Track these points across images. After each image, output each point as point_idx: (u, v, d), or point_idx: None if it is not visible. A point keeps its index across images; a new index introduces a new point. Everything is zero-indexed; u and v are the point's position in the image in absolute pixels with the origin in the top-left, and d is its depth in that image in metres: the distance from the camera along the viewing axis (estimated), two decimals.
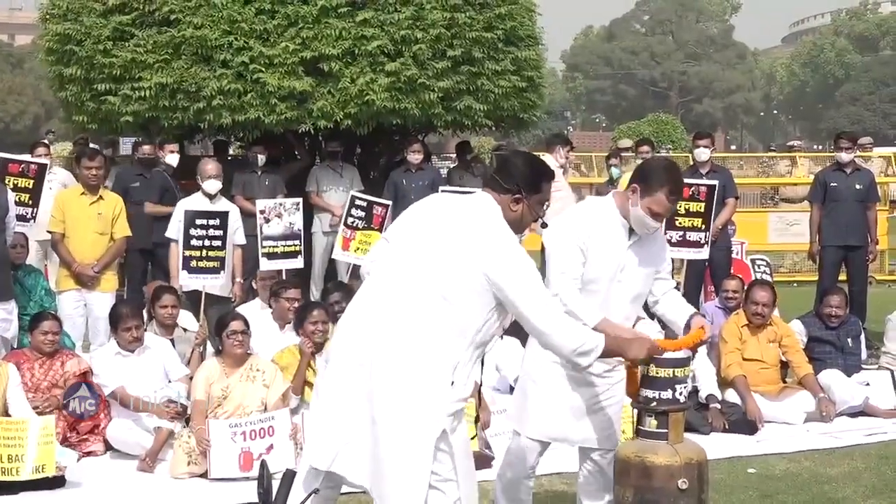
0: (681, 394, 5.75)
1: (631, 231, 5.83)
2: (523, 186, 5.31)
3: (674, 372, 6.71)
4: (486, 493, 7.77)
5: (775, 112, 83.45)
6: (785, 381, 9.92)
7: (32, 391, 8.49)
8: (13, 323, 9.22)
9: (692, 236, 10.79)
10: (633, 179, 5.81)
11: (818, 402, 9.56)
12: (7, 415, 8.09)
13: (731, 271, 11.85)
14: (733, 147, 65.99)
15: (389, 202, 12.45)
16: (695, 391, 9.27)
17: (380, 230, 11.59)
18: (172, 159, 12.92)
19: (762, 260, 14.26)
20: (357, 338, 5.21)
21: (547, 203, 5.65)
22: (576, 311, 5.58)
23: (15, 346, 9.29)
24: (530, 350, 6.10)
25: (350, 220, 11.67)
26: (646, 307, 6.66)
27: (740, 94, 78.81)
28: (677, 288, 10.93)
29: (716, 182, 11.21)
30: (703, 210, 10.76)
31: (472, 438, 8.28)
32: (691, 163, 12.88)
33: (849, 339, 10.34)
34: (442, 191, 11.36)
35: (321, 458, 5.25)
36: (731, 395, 9.59)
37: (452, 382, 5.06)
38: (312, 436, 5.50)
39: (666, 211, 5.78)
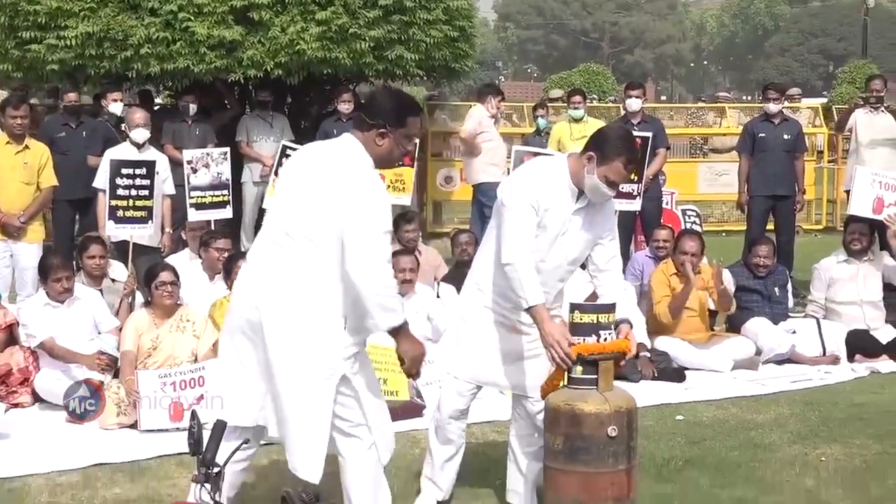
0: (605, 339, 5.81)
1: (578, 196, 5.77)
2: (388, 121, 5.35)
3: (598, 318, 6.77)
4: (417, 441, 7.82)
5: (705, 63, 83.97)
6: (712, 329, 10.00)
7: None
8: None
9: (625, 187, 10.82)
10: (588, 147, 5.70)
11: (740, 348, 9.72)
12: None
13: (662, 221, 11.92)
14: (664, 98, 66.36)
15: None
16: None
17: None
18: (116, 108, 12.79)
19: (692, 210, 14.39)
20: (246, 291, 5.36)
21: (415, 138, 5.97)
22: (523, 284, 5.60)
23: None
24: (465, 294, 6.19)
25: (281, 169, 11.62)
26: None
27: (671, 44, 79.31)
28: None
29: (649, 133, 11.21)
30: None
31: (401, 389, 8.39)
32: (623, 113, 12.92)
33: (776, 288, 10.43)
34: None
35: (243, 416, 5.38)
36: (660, 344, 9.67)
37: (345, 326, 5.19)
38: (230, 394, 5.57)
39: (622, 179, 5.77)
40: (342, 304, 5.20)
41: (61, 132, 12.32)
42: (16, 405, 8.47)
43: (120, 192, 10.27)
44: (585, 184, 5.66)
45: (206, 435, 4.76)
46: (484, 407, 7.12)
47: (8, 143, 10.62)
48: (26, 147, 10.67)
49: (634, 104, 12.58)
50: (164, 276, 8.61)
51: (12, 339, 8.99)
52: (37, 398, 8.66)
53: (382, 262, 5.17)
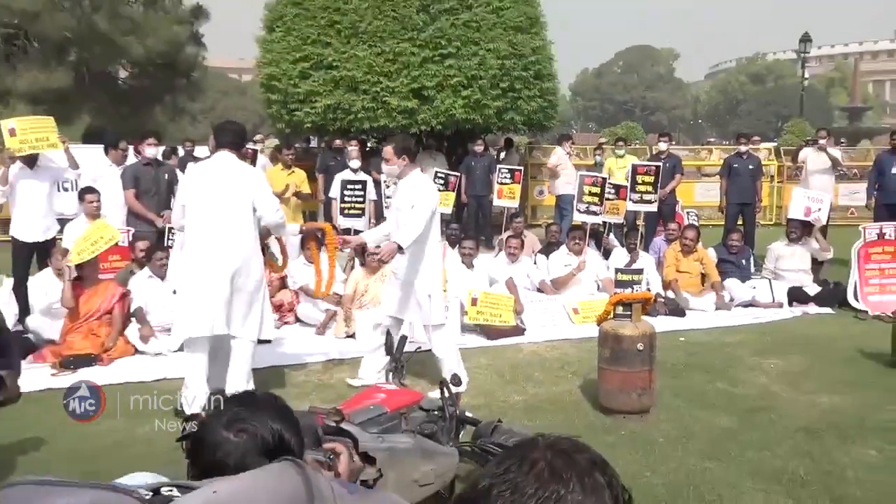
0: (635, 290, 5.74)
1: None
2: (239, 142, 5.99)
3: (632, 277, 6.66)
4: (519, 349, 7.85)
5: (700, 121, 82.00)
6: (703, 285, 9.86)
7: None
8: None
9: (646, 197, 10.72)
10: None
11: (720, 297, 9.54)
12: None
13: (675, 219, 11.79)
14: (674, 143, 64.97)
15: (459, 174, 12.54)
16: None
17: (453, 191, 11.68)
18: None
19: (692, 211, 14.16)
20: (214, 243, 5.62)
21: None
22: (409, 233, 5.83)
23: None
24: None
25: (437, 185, 11.72)
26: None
27: (678, 110, 78.20)
28: (636, 229, 10.95)
29: (659, 164, 11.17)
30: (652, 181, 10.70)
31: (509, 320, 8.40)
32: (654, 152, 12.82)
33: (743, 260, 10.26)
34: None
35: (199, 328, 5.63)
36: (670, 293, 9.57)
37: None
38: (186, 314, 5.73)
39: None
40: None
41: (331, 161, 12.72)
42: (286, 323, 8.66)
43: (346, 198, 10.49)
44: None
45: (395, 342, 4.85)
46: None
47: (282, 169, 10.88)
48: (293, 171, 10.92)
49: (663, 146, 12.48)
50: (372, 248, 8.66)
51: (283, 284, 8.99)
52: (298, 320, 8.84)
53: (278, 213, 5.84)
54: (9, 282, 7.56)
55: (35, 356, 7.09)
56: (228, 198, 5.69)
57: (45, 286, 7.58)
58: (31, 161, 8.35)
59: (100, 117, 22.29)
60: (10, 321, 7.23)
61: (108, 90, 24.01)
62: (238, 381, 5.77)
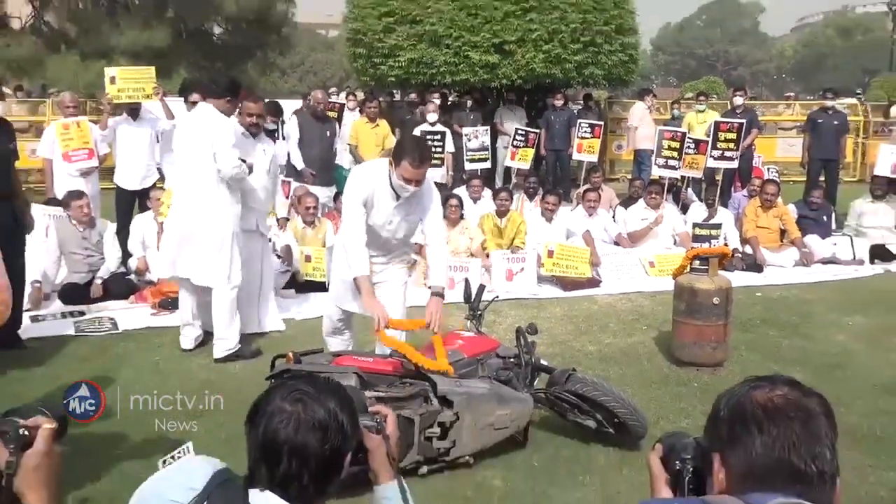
0: (713, 245, 5.60)
1: (397, 197, 4.60)
2: (231, 91, 5.79)
3: (709, 232, 6.48)
4: (594, 300, 7.79)
5: (784, 76, 78.97)
6: (782, 241, 9.56)
7: None
8: None
9: (727, 154, 10.39)
10: (391, 156, 4.56)
11: (801, 254, 9.23)
12: None
13: (752, 174, 11.44)
14: (752, 96, 62.89)
15: (538, 130, 12.31)
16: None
17: (532, 147, 11.52)
18: (432, 106, 11.92)
19: (773, 166, 13.74)
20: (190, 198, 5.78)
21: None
22: (352, 258, 4.54)
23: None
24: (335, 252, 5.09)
25: (515, 141, 11.57)
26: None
27: (762, 64, 75.44)
28: (715, 184, 10.66)
29: (743, 121, 10.74)
30: (734, 138, 10.33)
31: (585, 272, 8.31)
32: (730, 107, 12.35)
33: (824, 217, 9.92)
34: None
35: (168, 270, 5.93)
36: (748, 249, 9.30)
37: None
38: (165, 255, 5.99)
39: (413, 176, 4.41)
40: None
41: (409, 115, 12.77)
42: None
43: None
44: (393, 183, 4.53)
45: (473, 290, 4.86)
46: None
47: (367, 122, 10.86)
48: (377, 124, 10.88)
49: (738, 100, 12.03)
50: (452, 201, 8.59)
51: None
52: None
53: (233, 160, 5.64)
54: (113, 226, 7.85)
55: (136, 297, 7.36)
56: (197, 150, 5.77)
57: (144, 230, 7.85)
58: (133, 112, 8.67)
59: (195, 72, 22.74)
60: (114, 263, 7.53)
61: (203, 46, 24.48)
62: (218, 327, 5.90)
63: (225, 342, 5.85)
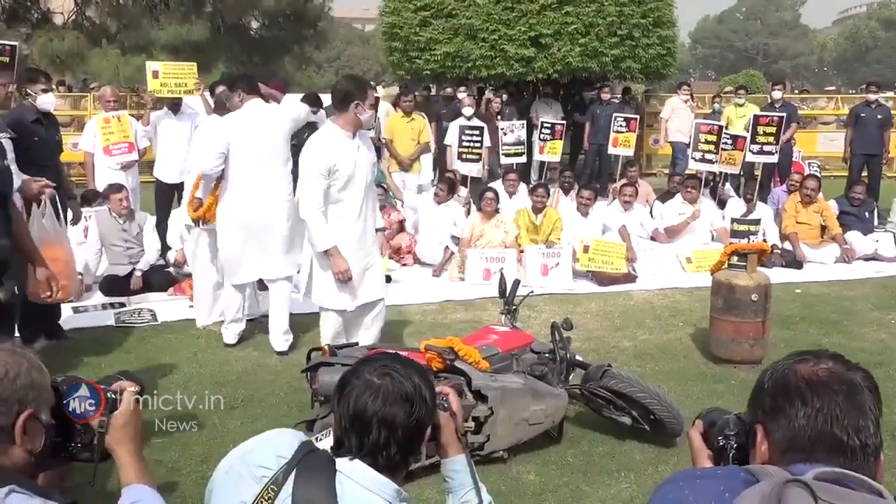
0: (751, 241, 5.53)
1: (354, 136, 4.94)
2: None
3: (748, 227, 6.38)
4: (630, 296, 7.73)
5: (825, 69, 77.53)
6: (822, 238, 9.39)
7: None
8: None
9: (766, 148, 10.22)
10: (345, 102, 4.89)
11: (843, 250, 9.06)
12: None
13: (792, 169, 11.26)
14: (797, 91, 61.88)
15: (564, 122, 12.21)
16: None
17: (560, 139, 11.42)
18: (467, 100, 11.81)
19: (814, 161, 13.52)
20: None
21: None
22: (314, 234, 4.86)
23: None
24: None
25: (542, 134, 11.49)
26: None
27: (802, 57, 74.13)
28: (754, 179, 10.50)
29: (783, 114, 10.56)
30: (774, 132, 10.16)
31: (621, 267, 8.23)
32: (769, 101, 12.15)
33: (866, 213, 9.75)
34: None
35: (245, 276, 5.91)
36: (787, 245, 9.16)
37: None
38: (232, 262, 5.90)
39: (372, 99, 5.00)
40: None
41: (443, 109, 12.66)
42: (404, 265, 8.72)
43: (464, 143, 10.36)
44: (362, 121, 4.93)
45: (508, 285, 4.87)
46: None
47: (402, 116, 10.81)
48: (413, 119, 10.81)
49: (777, 94, 11.84)
50: (488, 194, 8.60)
51: (402, 227, 9.07)
52: (416, 261, 8.89)
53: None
54: (153, 219, 7.96)
55: (175, 289, 7.46)
56: (262, 146, 5.73)
57: (182, 223, 7.92)
58: (175, 107, 8.79)
59: (233, 67, 22.95)
60: (154, 256, 7.62)
61: (241, 41, 24.67)
62: (284, 321, 5.92)
63: (289, 336, 5.93)
